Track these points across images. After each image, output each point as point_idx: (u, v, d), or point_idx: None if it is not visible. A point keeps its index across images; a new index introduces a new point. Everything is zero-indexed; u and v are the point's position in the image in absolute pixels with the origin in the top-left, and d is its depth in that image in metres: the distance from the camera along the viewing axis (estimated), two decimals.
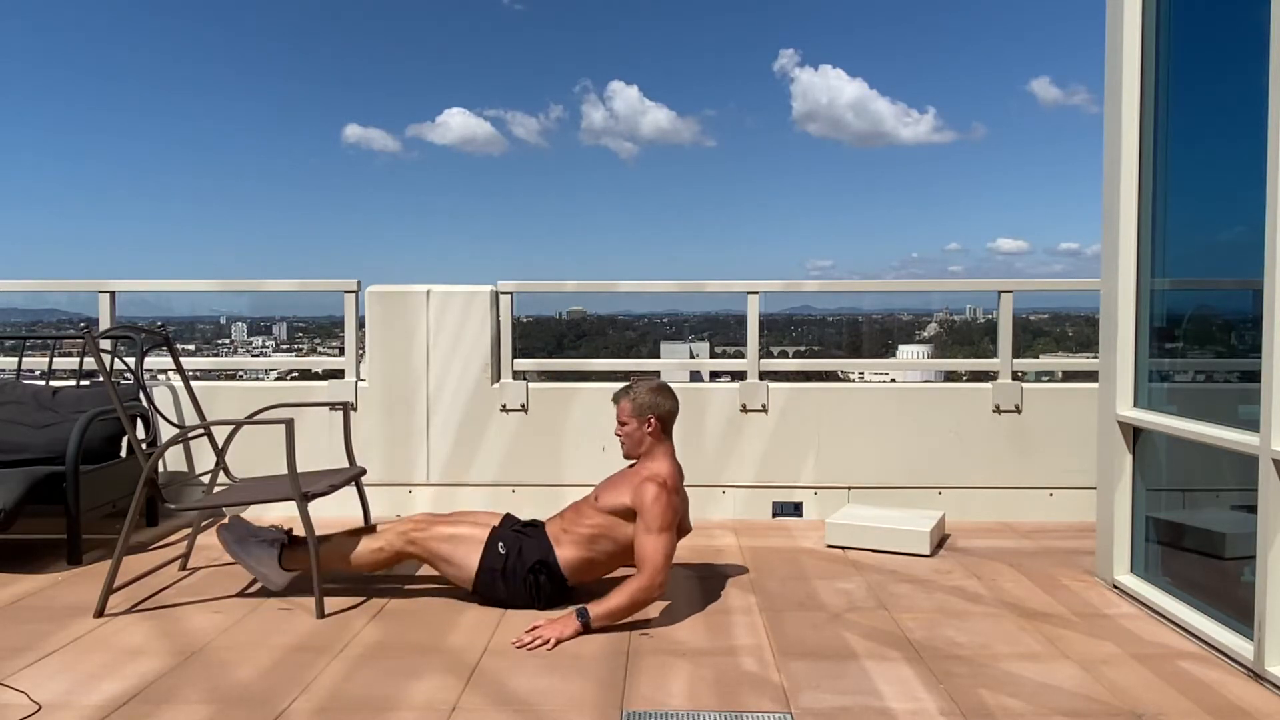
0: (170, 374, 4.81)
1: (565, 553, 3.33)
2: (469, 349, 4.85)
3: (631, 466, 3.47)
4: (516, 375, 4.95)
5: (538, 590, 3.30)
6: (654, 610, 3.30)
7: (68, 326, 5.74)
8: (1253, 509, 2.76)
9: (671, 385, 3.49)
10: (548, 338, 7.06)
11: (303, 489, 3.35)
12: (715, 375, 5.56)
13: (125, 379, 4.56)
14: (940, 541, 4.29)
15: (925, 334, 8.72)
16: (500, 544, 3.34)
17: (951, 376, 6.12)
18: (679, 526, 3.39)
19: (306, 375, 5.90)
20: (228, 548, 3.50)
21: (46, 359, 4.80)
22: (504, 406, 4.86)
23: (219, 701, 2.59)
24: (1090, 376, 3.97)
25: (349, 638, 3.07)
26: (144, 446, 3.98)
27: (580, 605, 3.10)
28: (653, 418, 3.39)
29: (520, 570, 3.30)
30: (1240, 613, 2.90)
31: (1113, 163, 3.55)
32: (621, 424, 3.43)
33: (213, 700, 2.59)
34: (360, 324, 4.97)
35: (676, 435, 3.48)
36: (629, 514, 3.27)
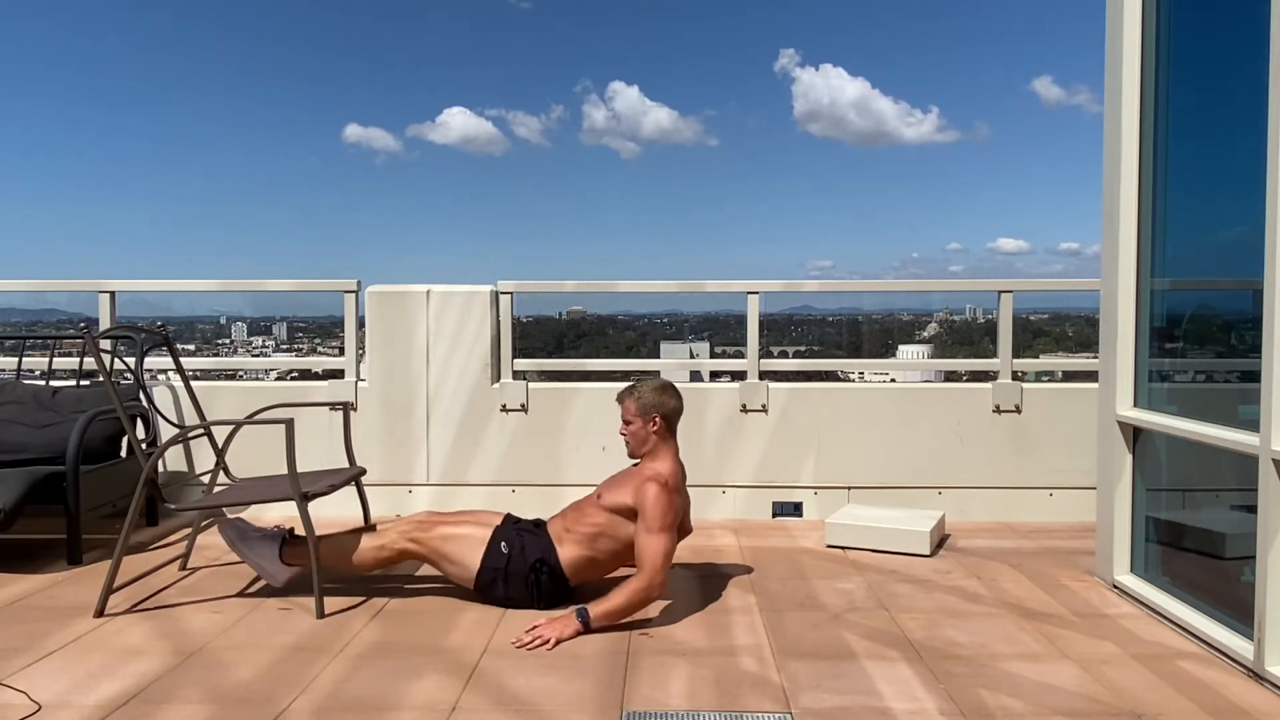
0: (170, 374, 4.81)
1: (567, 551, 3.33)
2: (469, 349, 4.85)
3: (635, 465, 3.48)
4: (516, 375, 4.95)
5: (539, 590, 3.30)
6: (654, 610, 3.30)
7: (68, 326, 5.74)
8: (1253, 509, 2.76)
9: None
10: (548, 338, 7.07)
11: (303, 489, 3.35)
12: (715, 375, 5.56)
13: (125, 379, 4.56)
14: (940, 541, 4.29)
15: (925, 334, 8.73)
16: (503, 543, 3.34)
17: (951, 376, 6.11)
18: (680, 527, 3.39)
19: (306, 375, 5.91)
20: (230, 543, 3.51)
21: (46, 359, 4.80)
22: (504, 406, 4.86)
23: (219, 701, 2.59)
24: (1090, 376, 3.97)
25: (349, 638, 3.07)
26: (144, 446, 3.98)
27: (580, 605, 3.11)
28: (657, 416, 3.39)
29: (522, 569, 3.30)
30: (1240, 613, 2.90)
31: (1113, 163, 3.55)
32: (626, 423, 3.43)
33: (212, 700, 2.59)
34: (360, 324, 4.97)
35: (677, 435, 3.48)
36: (630, 513, 3.27)
